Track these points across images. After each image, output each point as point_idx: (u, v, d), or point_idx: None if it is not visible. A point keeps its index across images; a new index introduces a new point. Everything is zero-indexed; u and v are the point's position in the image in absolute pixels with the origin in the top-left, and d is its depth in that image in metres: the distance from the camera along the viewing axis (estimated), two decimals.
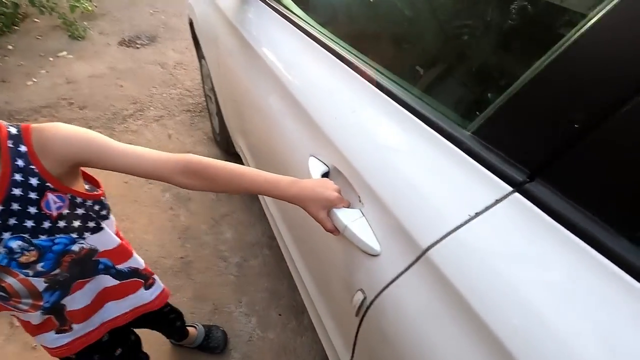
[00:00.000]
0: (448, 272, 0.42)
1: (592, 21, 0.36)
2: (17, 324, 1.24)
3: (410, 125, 0.55)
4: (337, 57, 0.73)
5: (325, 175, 0.66)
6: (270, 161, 0.96)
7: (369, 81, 0.65)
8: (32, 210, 0.52)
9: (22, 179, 0.50)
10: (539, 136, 0.40)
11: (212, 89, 1.76)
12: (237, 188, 0.59)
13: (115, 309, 0.72)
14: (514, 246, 0.39)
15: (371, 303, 0.56)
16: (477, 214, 0.42)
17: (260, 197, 1.34)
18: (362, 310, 0.59)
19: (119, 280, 0.68)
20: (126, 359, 0.80)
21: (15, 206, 0.50)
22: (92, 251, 0.62)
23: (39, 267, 0.56)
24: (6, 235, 0.51)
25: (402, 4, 0.75)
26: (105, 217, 0.64)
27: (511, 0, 0.50)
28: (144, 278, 0.73)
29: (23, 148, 0.50)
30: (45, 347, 0.69)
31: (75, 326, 0.66)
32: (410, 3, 0.73)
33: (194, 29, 1.63)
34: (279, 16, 0.97)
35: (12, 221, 0.51)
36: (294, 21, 0.91)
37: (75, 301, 0.64)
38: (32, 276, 0.56)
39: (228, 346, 1.22)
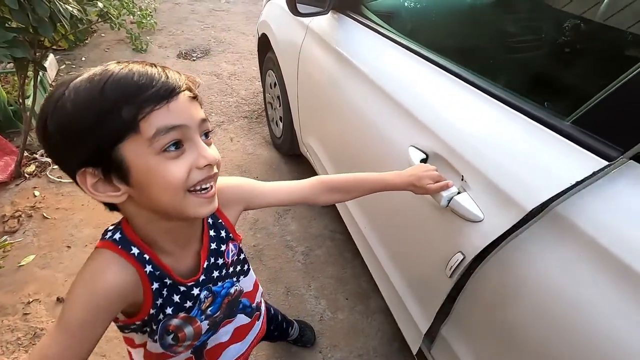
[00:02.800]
0: (581, 224, 0.52)
1: None
2: None
3: (508, 115, 0.68)
4: (437, 66, 0.85)
5: (423, 160, 0.79)
6: (359, 157, 1.11)
7: (469, 84, 0.77)
8: (220, 261, 0.54)
9: (215, 233, 0.52)
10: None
11: (278, 98, 1.94)
12: (362, 192, 0.67)
13: (237, 349, 0.68)
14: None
15: (473, 263, 0.68)
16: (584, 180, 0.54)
17: None
18: (459, 271, 0.71)
19: (250, 318, 0.68)
20: None
21: (212, 260, 0.53)
22: (240, 292, 0.63)
23: (208, 311, 0.56)
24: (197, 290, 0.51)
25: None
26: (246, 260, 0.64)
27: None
28: (260, 310, 0.72)
29: None
30: None
31: None
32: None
33: (270, 44, 1.81)
34: (377, 34, 1.08)
35: (215, 274, 0.52)
36: (391, 37, 1.03)
37: (215, 339, 0.63)
38: (203, 320, 0.56)
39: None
